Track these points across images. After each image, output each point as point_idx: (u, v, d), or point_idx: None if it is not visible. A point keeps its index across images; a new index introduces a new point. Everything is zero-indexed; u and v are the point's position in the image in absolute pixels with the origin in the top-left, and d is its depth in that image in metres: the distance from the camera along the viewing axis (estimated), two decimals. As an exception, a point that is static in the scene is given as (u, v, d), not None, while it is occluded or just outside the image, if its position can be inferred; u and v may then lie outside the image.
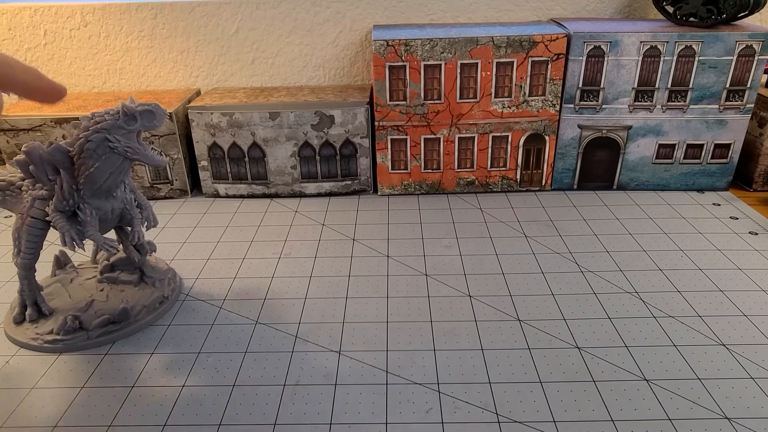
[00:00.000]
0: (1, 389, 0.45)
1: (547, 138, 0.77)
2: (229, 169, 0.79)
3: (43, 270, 0.57)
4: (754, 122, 0.77)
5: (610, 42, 0.72)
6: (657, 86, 0.74)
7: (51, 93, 0.35)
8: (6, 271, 0.62)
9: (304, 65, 0.91)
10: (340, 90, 0.84)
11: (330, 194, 0.81)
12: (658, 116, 0.75)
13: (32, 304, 0.51)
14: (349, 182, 0.80)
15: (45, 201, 0.47)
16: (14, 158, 0.47)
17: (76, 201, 0.46)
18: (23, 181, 0.48)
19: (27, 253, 0.48)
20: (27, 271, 0.50)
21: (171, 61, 0.90)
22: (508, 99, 0.74)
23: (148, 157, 0.46)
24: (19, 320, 0.51)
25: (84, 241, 0.48)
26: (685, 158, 0.78)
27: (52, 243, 0.65)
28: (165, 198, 0.80)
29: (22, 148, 0.46)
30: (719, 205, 0.74)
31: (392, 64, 0.72)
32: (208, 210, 0.76)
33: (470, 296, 0.55)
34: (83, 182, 0.45)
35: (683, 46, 0.72)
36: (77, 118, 0.75)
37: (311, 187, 0.80)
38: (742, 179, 0.81)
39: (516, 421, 0.41)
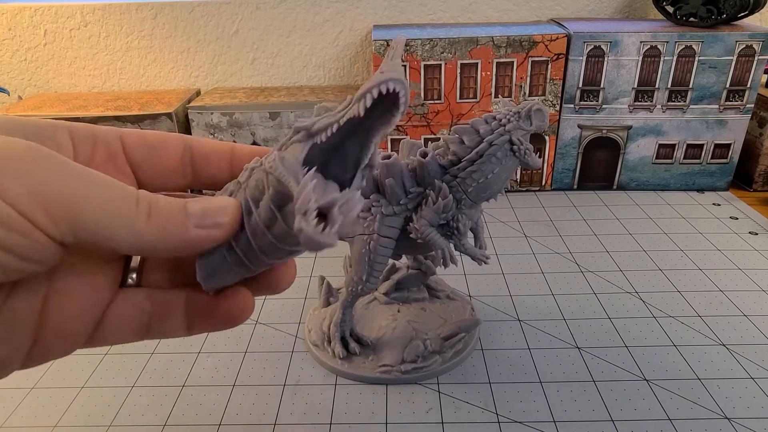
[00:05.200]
0: (1, 389, 0.45)
1: (546, 138, 0.77)
2: (229, 169, 0.79)
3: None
4: (754, 122, 0.77)
5: (610, 42, 0.72)
6: (657, 86, 0.74)
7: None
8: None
9: (304, 65, 0.91)
10: (340, 90, 0.84)
11: (330, 194, 0.80)
12: (658, 116, 0.75)
13: (351, 336, 0.47)
14: (349, 182, 0.80)
15: (396, 217, 0.42)
16: None
17: (455, 212, 0.42)
18: None
19: (376, 277, 0.44)
20: (358, 298, 0.45)
21: (171, 61, 0.90)
22: (509, 99, 0.74)
23: (534, 159, 0.42)
24: (345, 355, 0.46)
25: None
26: (685, 158, 0.78)
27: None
28: (165, 198, 0.80)
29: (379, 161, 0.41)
30: (719, 205, 0.74)
31: (392, 64, 0.72)
32: (208, 210, 0.76)
33: (470, 296, 0.55)
34: (473, 190, 0.41)
35: (683, 46, 0.72)
36: (78, 118, 0.75)
37: (311, 187, 0.80)
38: (742, 179, 0.81)
39: (516, 421, 0.41)
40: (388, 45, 0.72)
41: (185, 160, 0.25)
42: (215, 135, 0.76)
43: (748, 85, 0.73)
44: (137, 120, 0.74)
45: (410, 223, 0.42)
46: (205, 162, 0.25)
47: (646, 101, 0.75)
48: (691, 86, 0.74)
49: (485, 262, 0.44)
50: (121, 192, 0.19)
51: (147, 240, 0.19)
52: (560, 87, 0.74)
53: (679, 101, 0.75)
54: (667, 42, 0.71)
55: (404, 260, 0.52)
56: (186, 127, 0.78)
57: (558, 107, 0.75)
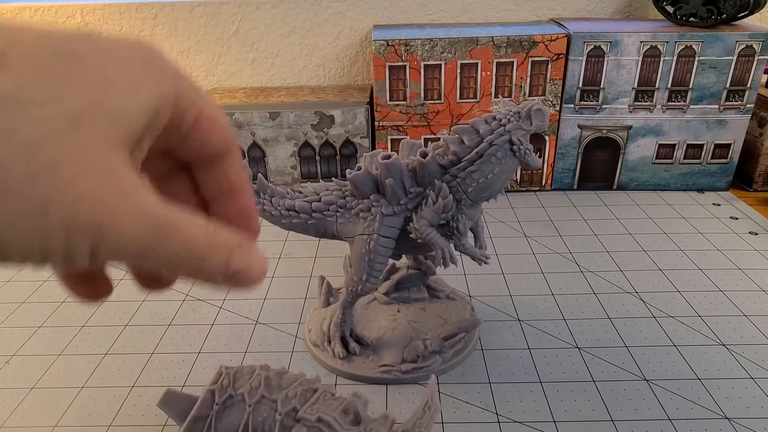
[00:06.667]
0: (1, 389, 0.45)
1: (546, 138, 0.77)
2: (229, 169, 0.79)
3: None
4: (754, 122, 0.77)
5: (610, 42, 0.72)
6: (657, 86, 0.74)
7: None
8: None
9: (304, 65, 0.91)
10: (340, 90, 0.84)
11: (330, 194, 0.80)
12: (658, 116, 0.75)
13: (351, 336, 0.47)
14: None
15: (396, 217, 0.42)
16: (349, 175, 0.42)
17: (455, 212, 0.41)
18: (345, 199, 0.43)
19: (376, 277, 0.43)
20: (358, 298, 0.45)
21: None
22: (509, 99, 0.74)
23: (534, 159, 0.42)
24: (345, 355, 0.46)
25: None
26: (685, 158, 0.78)
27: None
28: (165, 198, 0.80)
29: (378, 160, 0.41)
30: (719, 205, 0.74)
31: (392, 64, 0.72)
32: (208, 210, 0.76)
33: (470, 296, 0.55)
34: (473, 190, 0.41)
35: (683, 46, 0.72)
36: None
37: (311, 187, 0.80)
38: (742, 179, 0.81)
39: (516, 421, 0.41)
40: (388, 45, 0.71)
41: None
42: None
43: (748, 85, 0.73)
44: (137, 120, 0.75)
45: (410, 223, 0.42)
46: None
47: (646, 101, 0.75)
48: (691, 86, 0.74)
49: (485, 262, 0.44)
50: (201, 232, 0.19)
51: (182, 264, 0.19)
52: (560, 87, 0.74)
53: (679, 101, 0.75)
54: (667, 42, 0.71)
55: (404, 260, 0.52)
56: (186, 127, 0.78)
57: (558, 107, 0.75)
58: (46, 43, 0.17)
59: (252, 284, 0.21)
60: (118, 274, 0.61)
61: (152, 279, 0.23)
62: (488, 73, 0.73)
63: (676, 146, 0.77)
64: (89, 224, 0.16)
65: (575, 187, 0.80)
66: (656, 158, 0.78)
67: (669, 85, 0.74)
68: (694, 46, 0.72)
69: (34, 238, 0.16)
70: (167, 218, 0.18)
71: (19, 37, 0.16)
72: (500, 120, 0.40)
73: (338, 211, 0.43)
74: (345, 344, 0.46)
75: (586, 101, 0.75)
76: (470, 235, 0.44)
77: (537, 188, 0.80)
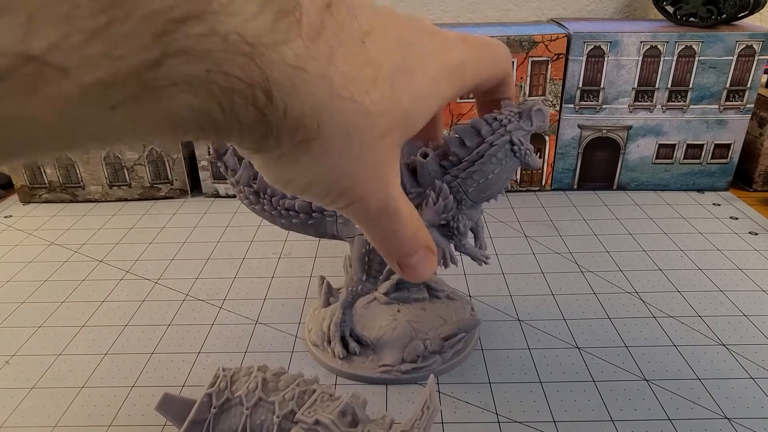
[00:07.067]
0: (1, 389, 0.45)
1: (546, 138, 0.77)
2: (229, 169, 0.79)
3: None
4: (754, 122, 0.77)
5: (610, 42, 0.72)
6: (657, 86, 0.74)
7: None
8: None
9: (304, 65, 0.91)
10: (340, 90, 0.84)
11: (330, 194, 0.80)
12: (658, 116, 0.75)
13: (351, 336, 0.47)
14: (349, 182, 0.80)
15: None
16: None
17: (455, 212, 0.42)
18: None
19: (376, 277, 0.44)
20: (358, 298, 0.45)
21: (171, 61, 0.90)
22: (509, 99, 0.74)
23: (534, 159, 0.42)
24: (345, 355, 0.46)
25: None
26: (685, 158, 0.78)
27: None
28: (165, 198, 0.80)
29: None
30: (719, 205, 0.74)
31: (392, 64, 0.72)
32: (208, 210, 0.76)
33: (470, 296, 0.55)
34: (473, 190, 0.41)
35: (683, 46, 0.72)
36: (77, 118, 0.75)
37: (311, 187, 0.80)
38: (742, 179, 0.81)
39: (516, 421, 0.41)
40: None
41: None
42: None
43: (748, 85, 0.73)
44: (137, 120, 0.74)
45: None
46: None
47: (646, 101, 0.75)
48: (691, 86, 0.74)
49: (485, 262, 0.44)
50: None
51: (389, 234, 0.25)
52: (560, 87, 0.74)
53: (679, 101, 0.75)
54: (667, 42, 0.71)
55: None
56: (186, 127, 0.78)
57: (558, 107, 0.75)
58: (391, 29, 0.21)
59: (414, 280, 0.27)
60: (117, 274, 0.61)
61: None
62: (488, 73, 0.73)
63: (676, 146, 0.77)
64: (351, 198, 0.22)
65: (575, 187, 0.80)
66: (656, 158, 0.78)
67: (669, 85, 0.74)
68: (694, 46, 0.72)
69: (323, 193, 0.22)
70: (395, 207, 0.24)
71: (380, 20, 0.21)
72: (501, 120, 0.40)
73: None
74: (345, 344, 0.46)
75: (586, 101, 0.75)
76: (470, 235, 0.44)
77: (537, 188, 0.80)
